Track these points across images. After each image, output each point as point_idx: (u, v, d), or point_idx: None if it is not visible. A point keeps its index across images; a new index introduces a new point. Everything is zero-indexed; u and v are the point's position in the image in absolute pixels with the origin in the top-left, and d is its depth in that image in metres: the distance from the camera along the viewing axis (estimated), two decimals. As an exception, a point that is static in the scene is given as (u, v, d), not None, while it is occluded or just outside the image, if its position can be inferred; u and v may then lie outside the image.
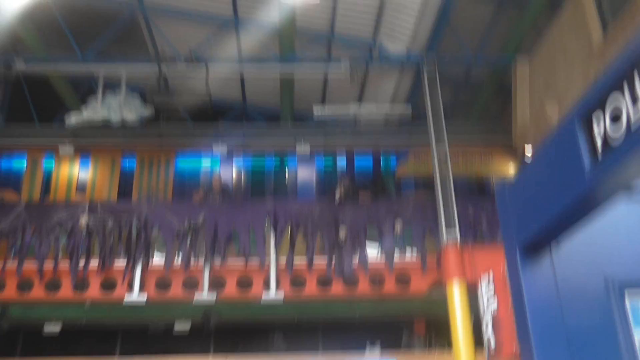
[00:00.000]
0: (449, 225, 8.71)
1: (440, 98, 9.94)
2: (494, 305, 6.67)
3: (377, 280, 9.43)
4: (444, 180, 9.16)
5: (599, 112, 3.36)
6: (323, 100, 13.57)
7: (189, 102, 10.55)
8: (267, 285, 9.34)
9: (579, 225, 3.92)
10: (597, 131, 3.35)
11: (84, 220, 9.50)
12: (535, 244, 4.31)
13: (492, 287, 6.89)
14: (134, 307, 9.63)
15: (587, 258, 4.24)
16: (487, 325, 6.87)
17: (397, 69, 11.55)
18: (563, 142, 3.73)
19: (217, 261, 9.45)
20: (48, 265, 9.34)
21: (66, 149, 12.04)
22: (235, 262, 9.55)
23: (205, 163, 13.59)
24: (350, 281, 9.42)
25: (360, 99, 13.14)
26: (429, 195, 10.55)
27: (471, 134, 12.54)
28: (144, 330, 10.94)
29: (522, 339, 4.28)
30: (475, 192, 13.45)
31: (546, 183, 3.99)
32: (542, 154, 4.29)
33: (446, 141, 9.52)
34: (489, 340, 6.72)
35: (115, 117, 10.46)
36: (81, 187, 12.57)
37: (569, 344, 3.98)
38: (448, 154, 9.41)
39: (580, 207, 3.66)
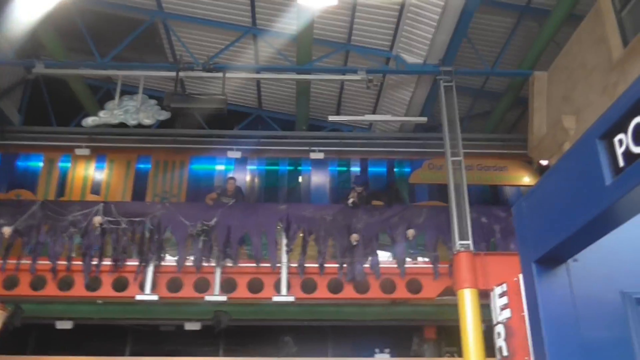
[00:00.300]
0: (462, 233, 8.68)
1: (456, 108, 9.93)
2: (506, 314, 6.66)
3: (388, 286, 9.43)
4: (458, 189, 9.13)
5: (621, 128, 3.37)
6: (338, 110, 13.61)
7: (205, 108, 10.58)
8: (277, 288, 9.35)
9: (597, 241, 3.93)
10: (619, 146, 3.37)
11: (97, 220, 9.57)
12: (552, 257, 4.30)
13: (505, 296, 6.88)
14: (145, 307, 9.72)
15: (604, 272, 4.23)
16: (499, 334, 6.86)
17: (414, 80, 11.58)
18: (583, 157, 3.73)
19: (229, 263, 9.48)
20: (61, 263, 9.41)
21: (82, 150, 12.15)
22: (246, 265, 9.58)
23: (220, 167, 13.61)
24: (361, 286, 9.41)
25: (375, 109, 13.14)
26: (442, 204, 10.59)
27: (486, 145, 12.49)
28: (154, 330, 11.02)
29: (537, 351, 4.28)
30: (490, 201, 13.43)
31: (565, 198, 3.99)
32: (561, 168, 4.29)
33: (461, 151, 9.51)
34: (500, 348, 6.71)
35: (131, 120, 10.53)
36: (96, 188, 12.65)
37: (584, 357, 3.98)
38: (463, 163, 9.39)
39: (600, 224, 3.64)
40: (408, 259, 9.64)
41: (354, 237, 9.54)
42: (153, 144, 12.72)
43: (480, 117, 13.35)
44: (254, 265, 9.49)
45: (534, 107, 10.41)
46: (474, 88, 12.53)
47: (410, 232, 9.63)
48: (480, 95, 12.77)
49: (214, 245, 9.53)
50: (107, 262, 9.47)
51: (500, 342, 6.87)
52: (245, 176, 13.49)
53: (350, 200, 10.03)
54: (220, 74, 10.59)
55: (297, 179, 13.78)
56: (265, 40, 11.40)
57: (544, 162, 10.51)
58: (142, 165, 13.10)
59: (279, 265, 9.45)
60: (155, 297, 9.27)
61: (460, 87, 11.21)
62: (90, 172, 12.83)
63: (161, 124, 11.88)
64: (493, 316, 7.19)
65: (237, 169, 13.28)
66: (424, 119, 11.41)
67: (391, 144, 13.02)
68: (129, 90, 11.20)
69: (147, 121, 10.50)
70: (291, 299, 9.28)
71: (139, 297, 9.26)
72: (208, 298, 9.29)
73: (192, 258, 9.51)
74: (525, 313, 5.40)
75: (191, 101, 10.52)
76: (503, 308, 7.01)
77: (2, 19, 9.94)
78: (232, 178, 11.09)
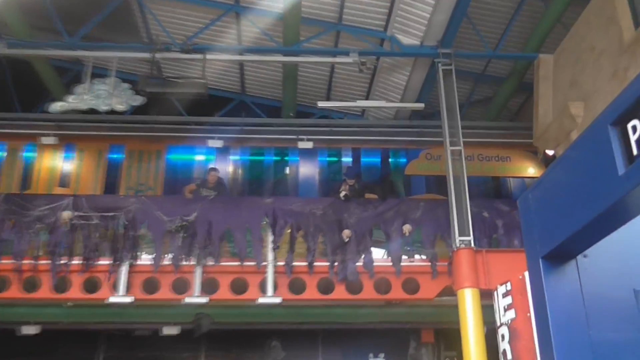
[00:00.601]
0: (462, 228, 8.71)
1: (456, 94, 9.92)
2: (511, 315, 6.70)
3: (382, 285, 9.48)
4: (457, 181, 9.14)
5: (635, 113, 3.39)
6: (328, 95, 13.56)
7: (183, 93, 10.53)
8: (263, 288, 9.38)
9: (609, 235, 3.96)
10: (633, 133, 3.38)
11: (66, 215, 9.54)
12: (561, 253, 4.33)
13: (509, 295, 6.93)
14: (119, 310, 9.67)
15: (616, 269, 4.27)
16: (502, 336, 6.90)
17: (410, 63, 11.58)
18: (594, 145, 3.74)
19: (210, 262, 9.48)
20: (26, 263, 9.34)
21: (49, 138, 12.05)
22: (229, 264, 9.59)
23: (200, 157, 13.58)
24: (354, 286, 9.47)
25: (368, 95, 13.12)
26: (440, 196, 10.63)
27: (488, 133, 12.56)
28: (128, 335, 10.98)
29: (544, 353, 4.32)
30: (492, 194, 13.52)
31: (574, 189, 4.00)
32: (570, 158, 4.30)
33: (461, 140, 9.52)
34: (504, 352, 6.75)
35: (103, 106, 10.45)
36: (64, 180, 12.57)
37: (595, 359, 4.02)
38: (463, 153, 9.40)
39: (612, 217, 3.65)
40: (404, 257, 9.69)
41: (346, 233, 9.59)
42: (126, 132, 12.66)
43: (482, 104, 13.39)
44: (238, 263, 9.50)
45: (539, 93, 10.44)
46: (474, 72, 12.55)
47: (407, 228, 9.68)
48: (481, 80, 12.80)
49: (193, 243, 9.54)
50: (76, 261, 9.42)
51: (504, 345, 6.91)
52: (228, 167, 13.49)
53: (342, 194, 10.06)
54: (200, 56, 10.50)
55: (284, 170, 13.79)
56: (249, 19, 11.32)
57: (550, 152, 10.57)
58: (114, 155, 13.03)
59: (264, 263, 9.47)
60: (129, 299, 9.24)
61: (460, 70, 11.20)
62: (58, 163, 12.76)
63: (135, 110, 11.84)
64: (496, 317, 7.22)
65: (218, 159, 13.27)
66: (420, 105, 11.39)
67: (386, 133, 13.07)
68: (100, 73, 11.05)
69: (120, 107, 10.42)
70: (278, 300, 9.31)
71: (111, 299, 9.22)
72: (188, 300, 9.28)
73: (170, 256, 9.50)
74: (532, 313, 5.43)
75: (168, 85, 10.46)
76: (507, 308, 7.04)
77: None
78: (214, 169, 11.08)
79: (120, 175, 12.75)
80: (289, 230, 9.81)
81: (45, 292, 9.32)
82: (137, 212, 9.72)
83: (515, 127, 12.64)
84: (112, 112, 10.62)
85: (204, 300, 9.30)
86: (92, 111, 10.61)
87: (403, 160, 13.55)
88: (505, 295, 7.29)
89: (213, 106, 13.50)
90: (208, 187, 10.65)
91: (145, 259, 9.68)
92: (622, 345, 4.07)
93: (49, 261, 9.37)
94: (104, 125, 12.53)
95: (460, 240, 8.60)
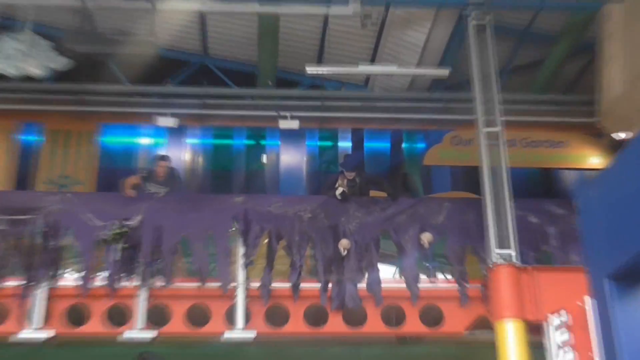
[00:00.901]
0: (501, 238, 8.68)
1: (492, 58, 9.90)
2: (569, 356, 6.73)
3: (393, 315, 9.45)
4: (495, 174, 9.12)
5: None
6: (320, 58, 13.53)
7: (124, 54, 10.52)
8: (231, 319, 9.34)
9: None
10: None
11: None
12: (633, 271, 4.33)
13: (565, 328, 6.95)
14: (33, 349, 9.53)
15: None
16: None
17: (430, 15, 11.56)
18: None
19: (159, 283, 9.44)
20: None
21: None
22: (185, 285, 9.56)
23: (145, 140, 13.58)
24: (355, 316, 9.42)
25: (374, 57, 13.10)
26: (471, 195, 10.62)
27: (535, 110, 12.61)
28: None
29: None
30: (541, 192, 13.54)
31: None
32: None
33: (499, 118, 9.50)
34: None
35: (13, 70, 10.42)
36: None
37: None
38: (502, 136, 9.38)
39: None
40: (422, 276, 9.65)
41: (344, 243, 9.55)
42: (46, 106, 12.64)
43: (527, 70, 13.39)
44: (197, 285, 9.46)
45: (606, 56, 10.45)
46: (517, 29, 12.56)
47: (426, 237, 9.66)
48: (526, 39, 12.79)
49: (136, 256, 9.50)
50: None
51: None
52: (183, 154, 13.62)
53: (339, 190, 10.02)
54: (147, 4, 10.44)
55: (260, 158, 13.79)
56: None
57: (620, 136, 10.59)
58: (29, 137, 13.08)
59: (233, 285, 9.43)
60: (47, 334, 9.15)
61: (498, 26, 11.10)
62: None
63: (59, 77, 11.78)
64: (547, 357, 7.25)
65: (170, 144, 13.39)
66: (445, 72, 11.39)
67: (397, 108, 13.08)
68: (9, 25, 11.02)
69: (36, 71, 10.37)
70: (251, 334, 9.27)
71: (23, 335, 9.11)
72: (128, 334, 9.22)
73: (103, 275, 9.45)
74: (596, 352, 5.43)
75: (104, 43, 10.51)
76: (563, 346, 7.06)
77: None
78: (164, 157, 11.05)
79: (37, 165, 12.74)
80: (267, 240, 9.78)
81: None
82: (60, 215, 9.67)
83: (572, 102, 12.71)
84: (27, 78, 10.57)
85: (150, 334, 9.25)
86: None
87: (421, 145, 13.68)
88: (559, 328, 7.29)
89: (164, 72, 13.46)
90: (157, 182, 10.61)
91: (70, 278, 9.61)
92: None
93: None
94: (15, 96, 12.48)
95: (498, 254, 8.59)
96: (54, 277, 9.45)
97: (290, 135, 13.12)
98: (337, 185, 10.15)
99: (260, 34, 12.21)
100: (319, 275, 9.51)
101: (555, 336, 7.22)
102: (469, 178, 12.03)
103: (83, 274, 9.43)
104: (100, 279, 9.44)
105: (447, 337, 9.64)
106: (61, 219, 9.66)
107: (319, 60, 13.50)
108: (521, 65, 13.34)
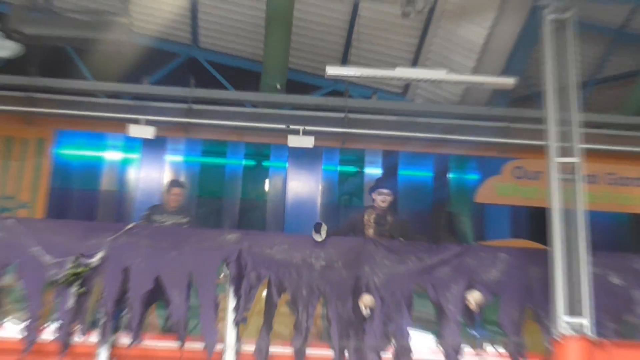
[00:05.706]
0: (572, 302, 8.74)
1: (573, 65, 9.87)
2: None
3: (428, 396, 9.48)
4: (568, 218, 9.19)
5: None
6: (345, 57, 13.67)
7: (88, 40, 10.61)
8: (216, 392, 9.37)
9: None
10: None
11: None
12: None
13: None
14: None
15: None
16: None
17: (493, 6, 11.70)
18: None
19: (124, 340, 9.46)
20: None
21: None
22: (158, 344, 9.64)
23: (112, 154, 13.74)
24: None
25: (416, 58, 13.28)
26: (536, 245, 10.76)
27: (627, 136, 12.74)
28: None
29: None
30: (629, 243, 13.61)
31: None
32: None
33: (578, 146, 9.53)
34: None
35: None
36: None
37: None
38: (580, 169, 9.42)
39: None
40: (466, 348, 9.66)
41: (367, 300, 9.60)
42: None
43: (619, 84, 13.50)
44: (174, 345, 9.47)
45: None
46: (608, 27, 12.68)
47: (474, 297, 9.70)
48: (620, 42, 12.92)
49: (96, 305, 9.61)
50: None
51: None
52: (161, 174, 13.69)
53: (372, 230, 10.23)
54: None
55: (262, 184, 13.92)
56: None
57: None
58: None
59: (220, 347, 9.45)
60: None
61: (584, 24, 11.06)
62: None
63: (3, 68, 12.04)
64: None
65: (145, 160, 13.54)
66: (509, 82, 11.33)
67: (444, 127, 13.17)
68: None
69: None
70: (242, 415, 9.33)
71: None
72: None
73: (54, 326, 9.46)
74: None
75: (62, 24, 10.51)
76: None
77: None
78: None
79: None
80: (265, 292, 9.82)
81: None
82: (1, 247, 9.74)
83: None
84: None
85: (110, 409, 9.31)
86: None
87: (473, 176, 13.78)
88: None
89: (142, 66, 13.50)
90: (169, 212, 11.01)
91: (10, 329, 9.64)
92: None
93: None
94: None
95: (567, 323, 8.64)
96: (-11, 327, 9.49)
97: (301, 156, 13.20)
98: (364, 222, 10.35)
99: (267, 22, 12.30)
100: (332, 341, 9.50)
101: None
102: (534, 222, 12.10)
103: (27, 323, 9.41)
104: (49, 331, 9.42)
105: None
106: (0, 252, 9.74)
107: (344, 60, 13.64)
108: (612, 76, 13.47)
